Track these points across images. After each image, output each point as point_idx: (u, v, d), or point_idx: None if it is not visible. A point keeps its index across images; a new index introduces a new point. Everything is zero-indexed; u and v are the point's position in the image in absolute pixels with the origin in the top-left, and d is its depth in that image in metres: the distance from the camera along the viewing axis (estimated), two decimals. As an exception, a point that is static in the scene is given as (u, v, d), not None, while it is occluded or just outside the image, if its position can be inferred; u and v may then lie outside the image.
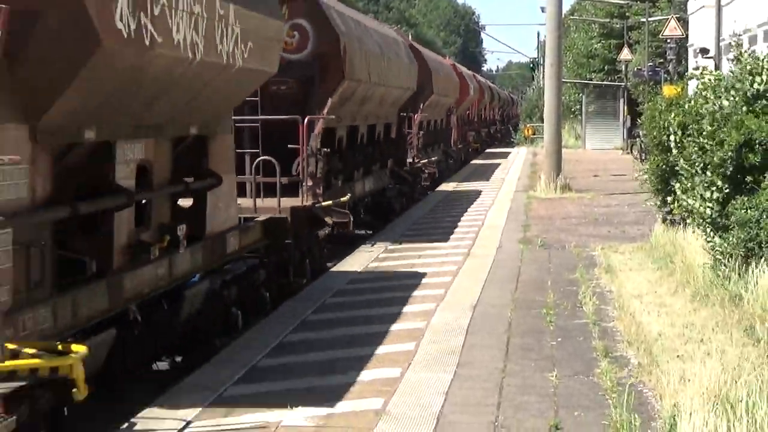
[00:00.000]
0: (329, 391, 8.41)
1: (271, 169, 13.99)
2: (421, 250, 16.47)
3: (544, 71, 35.47)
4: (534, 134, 57.32)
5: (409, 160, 25.27)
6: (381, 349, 9.83)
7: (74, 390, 6.70)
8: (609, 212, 21.67)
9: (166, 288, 9.50)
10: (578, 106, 55.06)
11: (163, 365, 10.42)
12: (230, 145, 11.71)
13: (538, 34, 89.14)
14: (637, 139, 35.70)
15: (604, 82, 53.67)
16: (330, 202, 15.02)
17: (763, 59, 13.18)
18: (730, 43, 15.52)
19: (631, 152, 39.38)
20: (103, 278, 8.21)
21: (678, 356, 8.83)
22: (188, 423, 7.66)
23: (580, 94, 53.45)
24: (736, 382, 7.57)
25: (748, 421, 6.75)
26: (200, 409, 7.99)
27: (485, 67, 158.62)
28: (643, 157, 30.24)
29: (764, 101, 12.59)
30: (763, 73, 12.71)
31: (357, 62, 16.82)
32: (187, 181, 10.25)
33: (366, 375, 8.91)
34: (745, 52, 13.71)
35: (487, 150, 53.44)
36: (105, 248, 8.43)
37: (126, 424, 7.76)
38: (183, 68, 8.91)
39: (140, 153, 9.06)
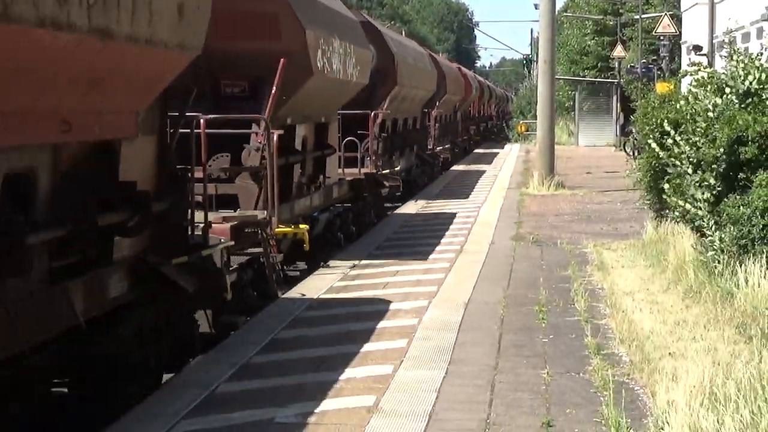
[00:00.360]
0: (321, 388, 8.41)
1: (350, 147, 19.73)
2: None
3: (537, 68, 35.49)
4: (527, 131, 57.35)
5: (429, 146, 31.61)
6: (373, 346, 9.83)
7: (304, 245, 14.03)
8: (601, 209, 21.70)
9: (310, 214, 15.66)
10: (571, 103, 55.12)
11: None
12: (336, 128, 17.94)
13: (532, 30, 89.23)
14: (630, 136, 35.75)
15: (598, 79, 53.73)
16: (387, 171, 21.75)
17: (755, 57, 13.21)
18: (723, 40, 15.52)
19: (624, 149, 39.42)
20: (288, 201, 14.03)
21: (670, 353, 8.85)
22: (179, 420, 7.65)
23: (574, 91, 53.49)
24: (727, 379, 7.58)
25: (737, 419, 6.75)
26: (192, 405, 7.98)
27: (478, 64, 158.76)
28: (635, 154, 30.28)
29: (756, 99, 12.62)
30: (755, 71, 12.74)
31: (404, 73, 23.92)
32: (320, 150, 16.52)
33: (358, 372, 8.90)
34: (738, 50, 13.73)
35: (486, 142, 58.40)
36: (289, 184, 14.43)
37: (119, 420, 7.75)
38: (334, 84, 15.97)
39: (303, 131, 15.61)
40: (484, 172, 35.26)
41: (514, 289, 12.69)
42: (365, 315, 11.28)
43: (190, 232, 9.80)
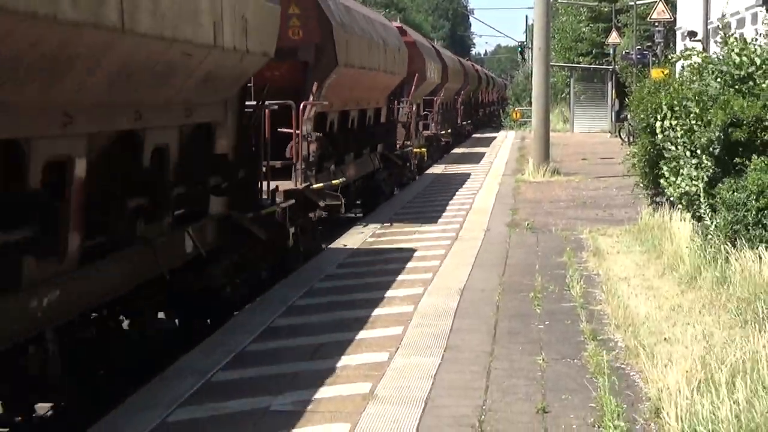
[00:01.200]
0: (317, 375, 8.41)
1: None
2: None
3: (532, 55, 35.50)
4: (522, 117, 57.34)
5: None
6: (368, 334, 9.84)
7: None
8: (597, 195, 21.70)
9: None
10: (567, 90, 55.08)
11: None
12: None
13: (527, 17, 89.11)
14: (625, 123, 35.73)
15: (593, 66, 53.67)
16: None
17: (750, 42, 13.21)
18: (717, 26, 15.52)
19: (619, 135, 39.41)
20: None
21: (665, 339, 8.86)
22: (176, 408, 7.65)
23: (569, 78, 53.45)
24: (722, 364, 7.59)
25: (731, 403, 6.76)
26: (188, 394, 7.98)
27: (473, 51, 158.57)
28: (630, 140, 30.28)
29: (750, 83, 12.62)
30: (749, 55, 12.74)
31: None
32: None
33: (353, 359, 8.91)
34: (731, 35, 13.72)
35: (486, 128, 62.54)
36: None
37: (116, 408, 7.76)
38: (364, 76, 19.29)
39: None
40: (482, 154, 37.33)
41: (509, 276, 12.69)
42: (363, 302, 11.28)
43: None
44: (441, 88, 36.48)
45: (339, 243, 15.89)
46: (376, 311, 10.81)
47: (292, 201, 13.47)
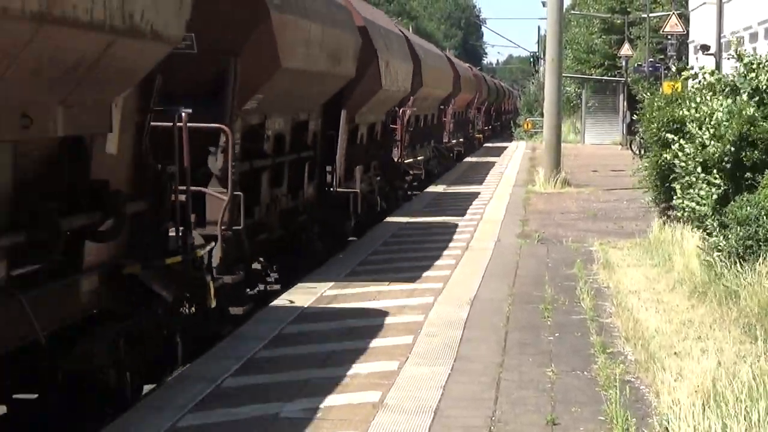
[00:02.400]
0: (327, 383, 8.42)
1: None
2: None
3: (544, 66, 35.49)
4: (533, 128, 57.34)
5: (445, 140, 35.74)
6: (379, 342, 9.85)
7: None
8: (607, 207, 21.70)
9: None
10: (578, 101, 55.08)
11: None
12: None
13: (539, 28, 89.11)
14: (636, 135, 35.71)
15: (605, 77, 53.67)
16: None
17: (765, 59, 13.21)
18: (730, 40, 15.52)
19: (630, 148, 39.39)
20: None
21: (675, 353, 8.85)
22: (185, 414, 7.67)
23: (580, 89, 53.44)
24: (732, 379, 7.59)
25: (743, 420, 6.76)
26: (198, 399, 8.00)
27: (485, 61, 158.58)
28: (642, 153, 30.26)
29: (765, 96, 12.62)
30: (763, 72, 12.75)
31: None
32: None
33: (363, 368, 8.92)
34: (745, 51, 13.72)
35: (500, 136, 65.79)
36: None
37: (123, 415, 7.77)
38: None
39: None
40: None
41: (519, 287, 12.69)
42: (371, 312, 11.29)
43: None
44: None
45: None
46: (387, 320, 10.82)
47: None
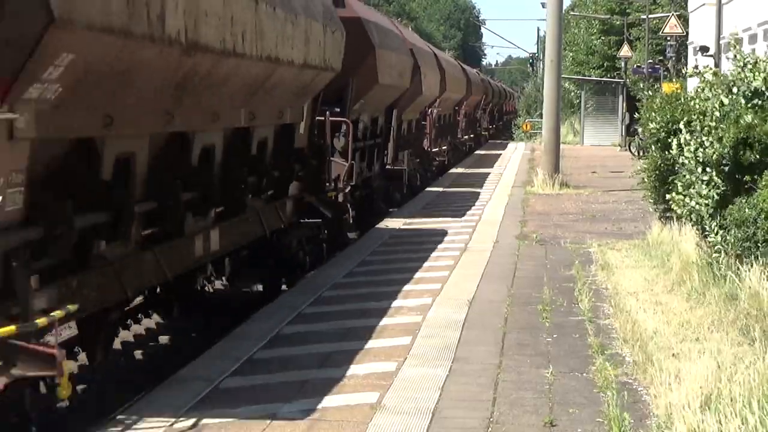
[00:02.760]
0: (324, 384, 8.42)
1: None
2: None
3: (543, 67, 35.55)
4: (532, 129, 57.35)
5: (459, 135, 41.18)
6: (376, 343, 9.84)
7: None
8: (606, 209, 21.70)
9: None
10: (577, 102, 55.08)
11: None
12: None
13: (538, 29, 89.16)
14: (635, 136, 35.72)
15: (604, 79, 53.67)
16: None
17: (763, 60, 13.20)
18: (729, 42, 15.52)
19: (629, 149, 39.40)
20: None
21: (673, 355, 8.85)
22: (183, 414, 7.67)
23: (579, 90, 53.44)
24: (730, 381, 7.59)
25: (740, 422, 6.76)
26: (195, 400, 8.00)
27: (485, 62, 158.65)
28: (641, 154, 30.26)
29: (762, 99, 12.60)
30: (762, 72, 12.73)
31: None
32: None
33: (361, 369, 8.92)
34: (741, 51, 13.71)
35: (502, 134, 70.13)
36: None
37: (121, 413, 7.77)
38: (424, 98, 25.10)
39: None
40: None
41: (518, 288, 12.69)
42: (371, 311, 11.29)
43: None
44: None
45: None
46: (385, 321, 10.82)
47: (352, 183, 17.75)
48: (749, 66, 12.83)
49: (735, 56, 13.44)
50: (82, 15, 6.52)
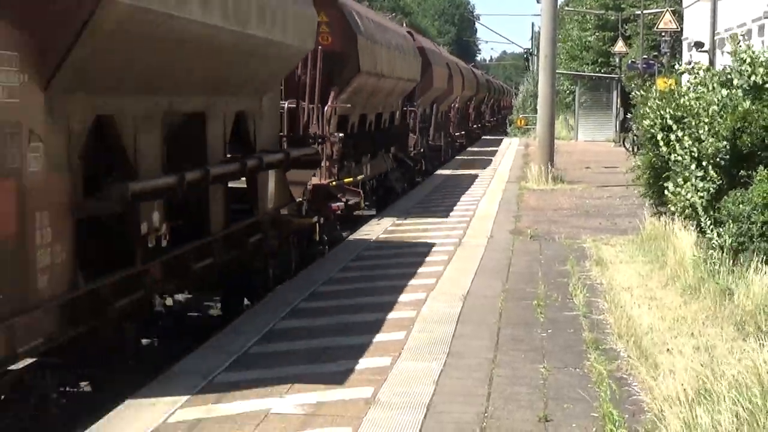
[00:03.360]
0: (319, 379, 8.42)
1: None
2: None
3: (537, 62, 35.59)
4: (526, 125, 57.37)
5: (469, 125, 50.36)
6: (371, 338, 9.84)
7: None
8: (600, 204, 21.70)
9: None
10: (571, 98, 55.10)
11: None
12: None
13: (533, 24, 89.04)
14: (630, 132, 35.74)
15: (598, 74, 53.67)
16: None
17: (760, 54, 13.22)
18: (724, 37, 15.53)
19: (624, 145, 39.40)
20: None
21: (668, 350, 8.85)
22: (177, 409, 7.66)
23: (574, 86, 53.44)
24: (723, 376, 7.59)
25: (734, 417, 6.76)
26: (190, 395, 7.99)
27: (479, 57, 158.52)
28: (635, 150, 30.27)
29: (759, 91, 12.63)
30: (761, 67, 12.76)
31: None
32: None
33: (356, 364, 8.91)
34: (743, 44, 13.72)
35: (501, 126, 75.33)
36: None
37: (115, 410, 7.76)
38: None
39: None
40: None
41: (512, 283, 12.70)
42: (366, 306, 11.29)
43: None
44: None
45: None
46: (379, 315, 10.82)
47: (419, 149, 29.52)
48: (749, 59, 12.85)
49: (735, 51, 13.44)
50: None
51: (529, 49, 78.86)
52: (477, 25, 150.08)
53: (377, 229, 17.85)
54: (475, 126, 55.25)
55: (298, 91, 15.72)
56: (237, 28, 9.90)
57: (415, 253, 15.05)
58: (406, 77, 24.62)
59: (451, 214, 20.26)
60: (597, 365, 8.66)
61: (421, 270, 13.63)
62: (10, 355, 6.88)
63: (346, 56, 18.04)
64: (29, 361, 7.21)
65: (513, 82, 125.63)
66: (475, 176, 29.79)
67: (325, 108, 16.91)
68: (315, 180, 16.18)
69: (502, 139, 55.97)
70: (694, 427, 6.73)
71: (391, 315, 10.87)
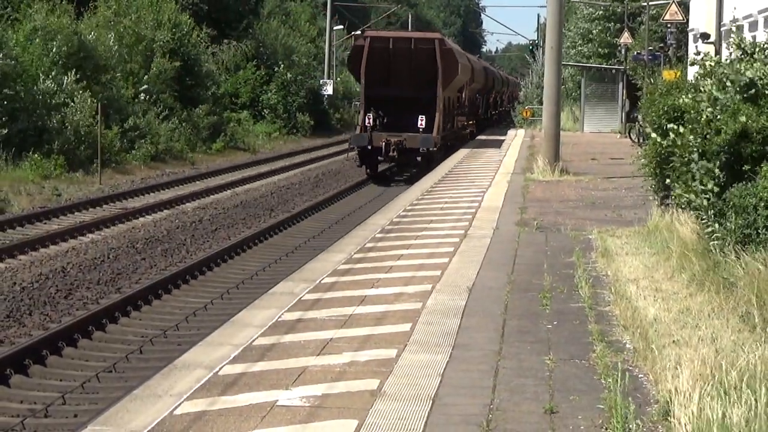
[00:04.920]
0: (325, 371, 8.42)
1: None
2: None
3: (543, 54, 35.59)
4: (532, 116, 57.33)
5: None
6: (376, 330, 9.84)
7: None
8: (606, 196, 21.68)
9: None
10: (577, 89, 55.01)
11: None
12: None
13: (539, 16, 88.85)
14: (636, 123, 35.68)
15: (604, 66, 53.58)
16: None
17: (758, 49, 13.17)
18: (729, 29, 15.49)
19: (629, 136, 39.35)
20: None
21: (674, 341, 8.85)
22: (183, 401, 7.66)
23: (579, 77, 53.36)
24: (731, 367, 7.58)
25: (743, 407, 6.75)
26: (195, 387, 7.99)
27: (485, 48, 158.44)
28: (641, 141, 30.24)
29: (757, 91, 12.58)
30: (756, 65, 12.71)
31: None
32: None
33: (361, 355, 8.91)
34: (735, 40, 13.67)
35: (508, 116, 78.27)
36: None
37: (121, 401, 7.77)
38: (491, 88, 61.36)
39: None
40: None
41: (518, 275, 12.68)
42: (371, 298, 11.28)
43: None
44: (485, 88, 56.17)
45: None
46: (385, 307, 10.82)
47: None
48: (746, 57, 12.81)
49: (737, 45, 13.39)
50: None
51: (534, 41, 78.71)
52: (482, 16, 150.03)
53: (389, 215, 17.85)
54: (493, 112, 65.54)
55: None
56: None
57: (420, 245, 15.04)
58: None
59: (456, 205, 20.23)
60: (603, 357, 8.65)
61: (426, 261, 13.62)
62: None
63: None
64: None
65: (518, 73, 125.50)
66: (482, 165, 29.78)
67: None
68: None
69: (507, 131, 55.95)
70: (703, 419, 6.71)
71: (397, 306, 10.86)
